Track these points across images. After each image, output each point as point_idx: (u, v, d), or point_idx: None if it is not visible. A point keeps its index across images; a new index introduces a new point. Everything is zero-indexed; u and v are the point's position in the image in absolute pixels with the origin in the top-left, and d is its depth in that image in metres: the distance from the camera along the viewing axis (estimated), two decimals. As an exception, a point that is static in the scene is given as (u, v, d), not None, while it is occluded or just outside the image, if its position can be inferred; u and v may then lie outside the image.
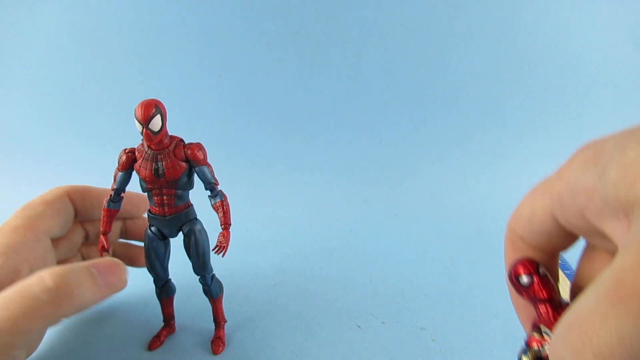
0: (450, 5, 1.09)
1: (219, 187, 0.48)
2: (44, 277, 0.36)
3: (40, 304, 0.35)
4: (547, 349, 0.27)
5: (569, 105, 1.15)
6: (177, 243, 0.52)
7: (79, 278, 0.38)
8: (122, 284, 0.42)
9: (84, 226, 0.55)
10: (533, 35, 1.12)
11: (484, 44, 1.12)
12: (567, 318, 0.21)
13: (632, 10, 1.09)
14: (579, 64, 1.13)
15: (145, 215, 0.50)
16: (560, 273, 0.66)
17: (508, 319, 0.58)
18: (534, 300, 0.28)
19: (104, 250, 0.48)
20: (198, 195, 0.53)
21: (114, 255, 0.57)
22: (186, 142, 0.46)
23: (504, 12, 1.10)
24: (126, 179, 0.47)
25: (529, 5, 1.10)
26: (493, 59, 1.12)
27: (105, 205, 0.48)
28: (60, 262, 0.50)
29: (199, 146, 0.46)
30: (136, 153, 0.45)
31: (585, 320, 0.20)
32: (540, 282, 0.28)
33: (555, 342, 0.22)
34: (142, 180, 0.45)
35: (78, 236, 0.54)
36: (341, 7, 1.09)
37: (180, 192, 0.46)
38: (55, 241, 0.49)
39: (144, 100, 0.42)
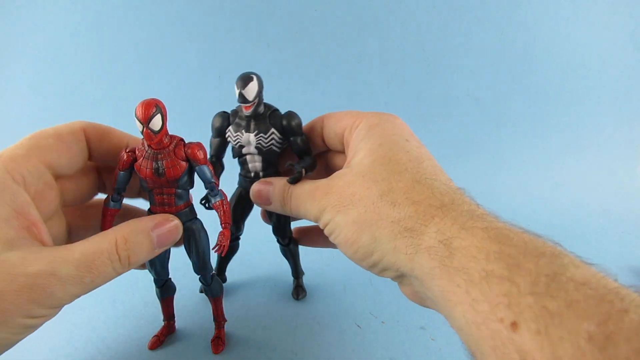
0: (450, 6, 1.09)
1: (219, 187, 0.48)
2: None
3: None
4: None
5: (569, 106, 1.15)
6: (177, 242, 0.52)
7: (141, 242, 0.41)
8: (173, 242, 0.45)
9: (103, 177, 0.51)
10: (533, 35, 1.12)
11: (484, 44, 1.12)
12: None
13: (632, 10, 1.10)
14: (579, 64, 1.14)
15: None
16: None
17: (508, 318, 0.58)
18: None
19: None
20: (198, 195, 0.53)
21: None
22: (186, 142, 0.46)
23: (504, 12, 1.10)
24: (127, 178, 0.47)
25: (529, 6, 1.10)
26: (493, 59, 1.12)
27: (106, 204, 0.48)
28: (66, 205, 0.47)
29: (199, 146, 0.46)
30: (136, 152, 0.45)
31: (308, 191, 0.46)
32: None
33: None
34: (143, 179, 0.45)
35: (91, 183, 0.49)
36: (341, 7, 1.09)
37: (180, 191, 0.47)
38: (61, 181, 0.45)
39: (145, 100, 0.42)
